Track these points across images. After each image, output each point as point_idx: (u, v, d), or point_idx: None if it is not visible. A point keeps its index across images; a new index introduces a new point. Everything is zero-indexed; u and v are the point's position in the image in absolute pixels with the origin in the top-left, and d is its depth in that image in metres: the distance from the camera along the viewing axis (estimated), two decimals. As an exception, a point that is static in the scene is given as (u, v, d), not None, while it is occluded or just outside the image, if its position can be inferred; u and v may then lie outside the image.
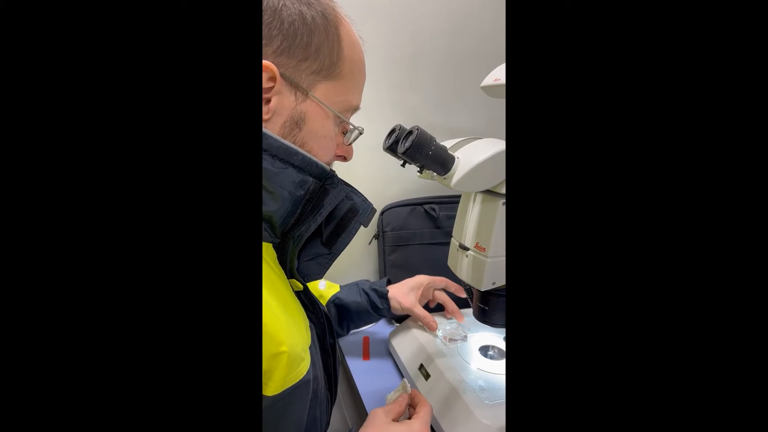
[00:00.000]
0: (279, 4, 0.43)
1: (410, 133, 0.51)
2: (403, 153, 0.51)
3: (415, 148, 0.50)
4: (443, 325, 0.83)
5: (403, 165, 0.56)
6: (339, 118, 0.48)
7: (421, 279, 0.84)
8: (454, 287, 0.85)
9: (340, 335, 0.87)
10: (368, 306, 0.81)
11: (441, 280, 0.85)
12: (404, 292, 0.82)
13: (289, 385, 0.42)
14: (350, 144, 0.52)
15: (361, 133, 0.51)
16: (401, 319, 0.90)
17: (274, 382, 0.41)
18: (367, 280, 0.86)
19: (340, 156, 0.53)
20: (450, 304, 0.85)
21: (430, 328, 0.80)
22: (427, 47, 0.95)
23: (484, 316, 0.69)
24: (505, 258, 0.59)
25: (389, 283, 0.85)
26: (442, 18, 0.94)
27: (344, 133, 0.51)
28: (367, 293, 0.82)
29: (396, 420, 0.55)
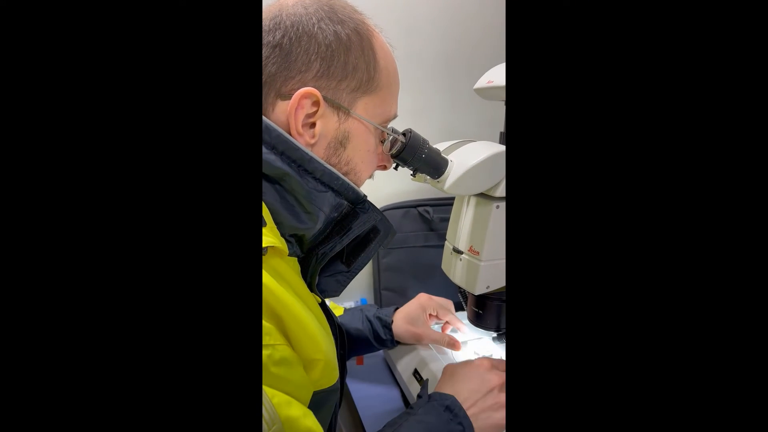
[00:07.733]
0: (314, 28, 0.42)
1: (403, 135, 0.51)
2: (396, 156, 0.51)
3: (407, 151, 0.50)
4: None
5: (396, 168, 0.55)
6: (379, 129, 0.48)
7: (423, 301, 0.77)
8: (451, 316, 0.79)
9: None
10: (369, 335, 0.74)
11: (444, 302, 0.79)
12: (410, 319, 0.75)
13: (319, 389, 0.44)
14: (389, 152, 0.51)
15: (402, 142, 0.50)
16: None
17: None
18: (373, 305, 0.79)
19: (381, 165, 0.53)
20: (453, 318, 0.79)
21: (455, 349, 0.75)
22: (421, 50, 0.95)
23: (479, 320, 0.68)
24: (498, 261, 0.59)
25: (396, 311, 0.78)
26: (436, 21, 0.93)
27: (382, 141, 0.50)
28: (370, 321, 0.75)
29: None
